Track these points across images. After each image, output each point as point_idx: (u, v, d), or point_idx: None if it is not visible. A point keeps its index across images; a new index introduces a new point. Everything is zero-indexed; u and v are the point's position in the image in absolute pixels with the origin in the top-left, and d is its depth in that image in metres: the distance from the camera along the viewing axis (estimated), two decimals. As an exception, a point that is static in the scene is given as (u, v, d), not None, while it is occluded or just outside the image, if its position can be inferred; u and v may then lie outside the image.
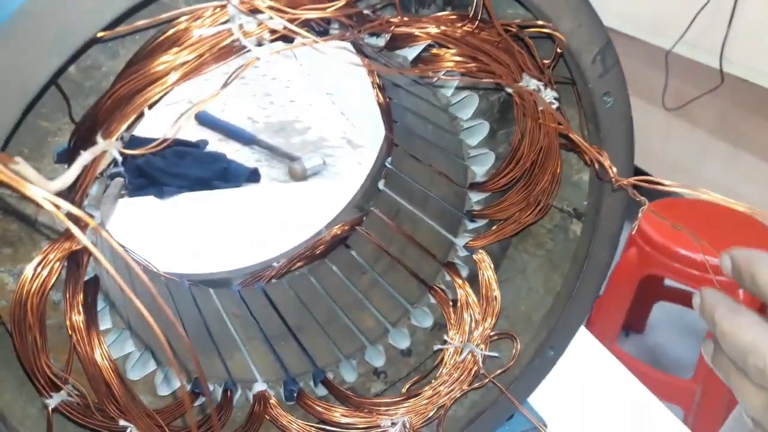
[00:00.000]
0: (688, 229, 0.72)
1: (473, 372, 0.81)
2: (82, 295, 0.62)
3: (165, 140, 0.55)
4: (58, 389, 0.64)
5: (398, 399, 0.81)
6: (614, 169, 0.65)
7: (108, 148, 0.52)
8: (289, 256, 1.07)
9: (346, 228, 1.06)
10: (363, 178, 1.07)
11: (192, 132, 2.05)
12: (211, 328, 0.88)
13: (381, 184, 1.02)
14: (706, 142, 3.31)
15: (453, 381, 0.81)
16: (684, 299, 3.01)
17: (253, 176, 1.77)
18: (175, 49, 0.50)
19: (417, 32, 0.62)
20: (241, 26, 0.50)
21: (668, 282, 2.91)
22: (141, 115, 0.54)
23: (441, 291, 0.86)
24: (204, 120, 2.12)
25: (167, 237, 1.45)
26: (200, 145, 1.92)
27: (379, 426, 0.80)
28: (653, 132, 3.59)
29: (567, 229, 0.85)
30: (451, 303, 0.86)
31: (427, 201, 0.92)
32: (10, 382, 0.64)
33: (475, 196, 0.82)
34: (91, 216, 0.63)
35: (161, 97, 0.52)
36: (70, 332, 0.63)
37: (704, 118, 3.28)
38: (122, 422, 0.64)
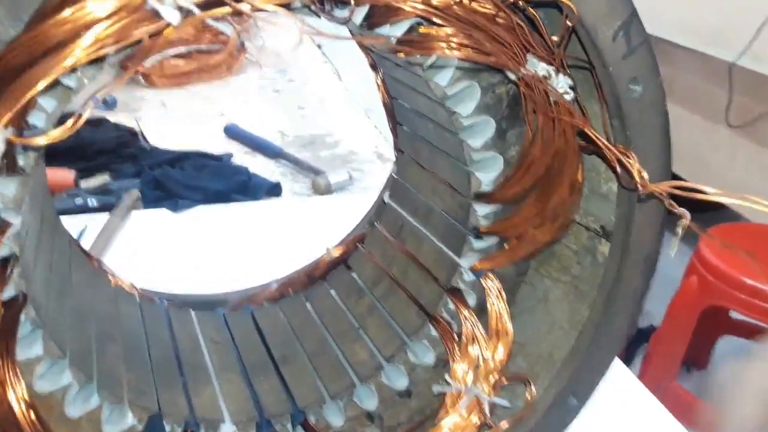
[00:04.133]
0: (755, 256, 0.59)
1: (479, 422, 0.68)
2: (-8, 317, 0.53)
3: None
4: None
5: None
6: (644, 175, 0.51)
7: (-15, 135, 0.42)
8: (288, 278, 0.96)
9: (348, 247, 0.94)
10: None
11: (219, 144, 1.99)
12: (182, 355, 0.77)
13: (386, 197, 0.90)
14: (775, 162, 3.06)
15: (454, 431, 0.68)
16: (752, 333, 2.75)
17: (274, 190, 1.69)
18: (70, 11, 0.40)
19: (400, 4, 0.51)
20: (151, -16, 0.40)
21: (734, 314, 2.67)
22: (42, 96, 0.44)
23: (444, 322, 0.74)
24: (232, 133, 2.06)
25: (175, 251, 1.37)
26: (223, 158, 1.85)
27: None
28: (716, 151, 3.35)
29: (595, 251, 0.71)
30: (455, 336, 0.73)
31: (430, 214, 0.79)
32: None
33: (482, 209, 0.69)
34: (9, 223, 0.54)
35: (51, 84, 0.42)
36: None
37: (773, 136, 3.03)
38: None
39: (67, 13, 0.40)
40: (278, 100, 2.41)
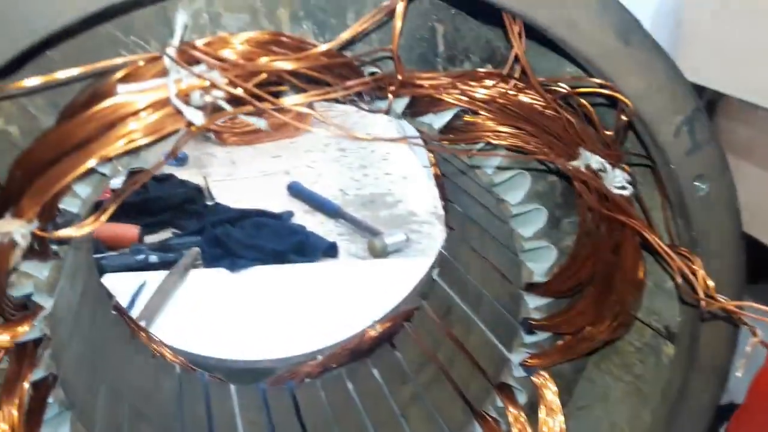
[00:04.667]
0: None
1: None
2: (18, 399, 0.52)
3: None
4: None
5: None
6: (710, 283, 0.46)
7: (9, 229, 0.41)
8: (333, 350, 0.93)
9: (394, 322, 0.91)
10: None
11: (281, 203, 2.01)
12: (217, 434, 0.75)
13: (435, 274, 0.86)
14: None
15: None
16: None
17: (331, 251, 1.68)
18: (99, 108, 0.39)
19: (442, 97, 0.49)
20: (178, 82, 0.39)
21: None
22: (65, 191, 0.43)
23: (491, 420, 0.68)
24: (294, 191, 2.08)
25: (230, 312, 1.37)
26: (284, 216, 1.86)
27: None
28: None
29: (660, 351, 0.65)
30: (502, 434, 0.68)
31: (480, 300, 0.75)
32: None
33: (534, 301, 0.64)
34: (40, 306, 0.53)
35: (82, 175, 0.41)
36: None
37: None
38: None
39: (97, 108, 0.40)
40: (342, 158, 2.43)
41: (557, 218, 0.62)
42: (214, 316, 1.35)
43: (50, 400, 0.56)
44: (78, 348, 0.64)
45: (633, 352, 0.68)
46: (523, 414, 0.66)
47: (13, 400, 0.52)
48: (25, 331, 0.52)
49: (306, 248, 1.66)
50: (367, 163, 2.37)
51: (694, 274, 0.45)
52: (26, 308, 0.53)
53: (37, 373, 0.54)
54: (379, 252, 1.67)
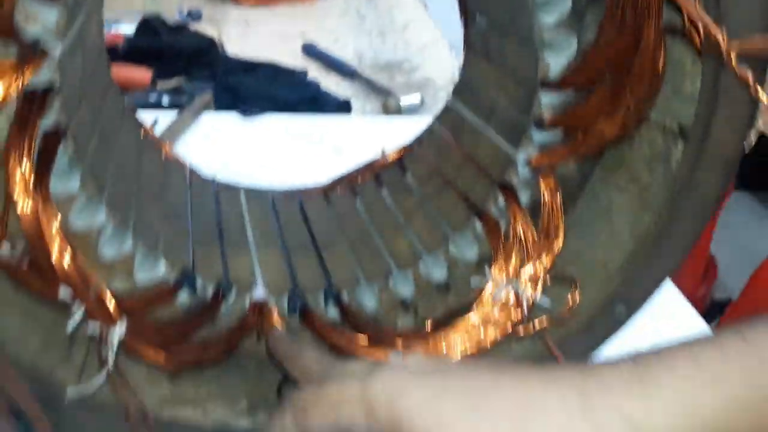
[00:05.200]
0: None
1: (516, 318, 0.64)
2: (27, 140, 0.52)
3: None
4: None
5: (419, 335, 0.67)
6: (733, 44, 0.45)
7: None
8: (340, 176, 0.94)
9: (405, 150, 0.91)
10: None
11: (295, 61, 1.98)
12: (225, 228, 0.77)
13: (449, 102, 0.85)
14: None
15: (487, 324, 0.65)
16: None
17: (344, 107, 1.67)
18: None
19: None
20: None
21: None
22: None
23: (492, 218, 0.69)
24: (310, 52, 2.04)
25: (240, 153, 1.38)
26: (297, 73, 1.84)
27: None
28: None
29: (669, 158, 0.65)
30: (502, 234, 0.69)
31: (493, 109, 0.74)
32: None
33: (548, 98, 0.64)
34: (48, 50, 0.52)
35: None
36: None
37: None
38: (63, 289, 0.54)
39: None
40: (361, 24, 2.37)
41: (581, 10, 0.60)
42: (225, 156, 1.36)
43: (60, 150, 0.57)
44: (87, 115, 0.64)
45: (642, 165, 0.67)
46: (523, 212, 0.67)
47: (23, 142, 0.53)
48: (36, 70, 0.52)
49: (318, 101, 1.64)
50: (387, 31, 2.30)
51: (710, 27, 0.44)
52: (34, 53, 0.53)
53: (47, 119, 0.55)
54: (393, 111, 1.66)
